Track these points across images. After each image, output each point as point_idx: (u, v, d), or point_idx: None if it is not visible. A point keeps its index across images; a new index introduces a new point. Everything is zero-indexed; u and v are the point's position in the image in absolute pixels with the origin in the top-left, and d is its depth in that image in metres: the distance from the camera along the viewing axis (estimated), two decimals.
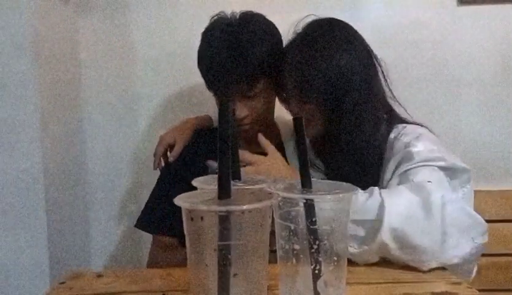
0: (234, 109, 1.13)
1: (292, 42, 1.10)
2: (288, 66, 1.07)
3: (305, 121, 1.06)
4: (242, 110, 1.15)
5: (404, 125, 1.06)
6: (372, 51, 1.08)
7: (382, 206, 0.79)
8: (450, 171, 0.94)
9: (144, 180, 1.54)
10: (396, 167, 0.98)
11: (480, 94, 1.55)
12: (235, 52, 1.10)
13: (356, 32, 1.08)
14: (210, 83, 1.18)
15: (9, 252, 1.18)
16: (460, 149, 1.44)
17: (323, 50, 1.02)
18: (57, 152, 1.30)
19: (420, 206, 0.79)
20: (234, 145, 0.66)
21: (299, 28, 1.11)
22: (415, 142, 0.98)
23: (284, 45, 1.14)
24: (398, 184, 0.92)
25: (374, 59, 1.07)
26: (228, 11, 1.29)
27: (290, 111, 1.14)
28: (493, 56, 1.53)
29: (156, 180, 1.29)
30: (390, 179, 0.97)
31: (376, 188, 0.85)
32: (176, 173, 1.22)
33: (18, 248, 1.18)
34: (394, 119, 1.09)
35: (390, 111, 1.10)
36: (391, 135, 1.04)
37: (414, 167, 0.93)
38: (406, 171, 0.94)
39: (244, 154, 0.96)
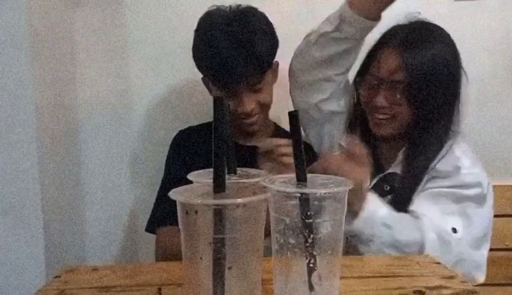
0: (229, 104, 1.13)
1: (400, 30, 1.13)
2: (396, 50, 1.09)
3: (389, 113, 1.09)
4: (250, 104, 1.18)
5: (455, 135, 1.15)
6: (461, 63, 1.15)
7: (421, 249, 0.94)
8: (480, 198, 1.04)
9: (143, 180, 1.54)
10: (438, 176, 1.06)
11: (480, 93, 1.54)
12: (241, 48, 1.12)
13: (453, 40, 1.13)
14: (218, 80, 1.19)
15: (7, 252, 1.18)
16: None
17: (433, 45, 1.08)
18: (55, 152, 1.30)
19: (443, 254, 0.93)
20: (229, 140, 0.66)
21: (404, 21, 1.15)
22: (464, 160, 1.07)
23: (386, 31, 1.16)
24: (428, 198, 1.04)
25: (462, 72, 1.15)
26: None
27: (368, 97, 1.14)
28: (493, 55, 1.53)
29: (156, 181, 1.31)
30: (429, 181, 1.07)
31: (426, 226, 0.97)
32: (178, 173, 1.23)
33: (17, 248, 1.18)
34: None
35: None
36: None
37: (449, 191, 1.03)
38: (441, 191, 1.04)
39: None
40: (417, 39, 1.08)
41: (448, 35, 1.12)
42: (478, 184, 1.04)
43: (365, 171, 0.94)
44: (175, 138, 1.36)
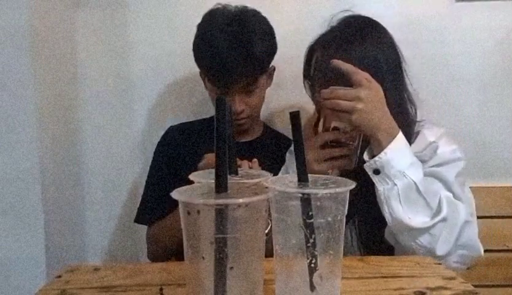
0: (230, 105, 1.15)
1: (327, 35, 1.10)
2: (324, 57, 1.05)
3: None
4: (240, 104, 1.19)
5: (424, 122, 1.11)
6: (401, 53, 1.10)
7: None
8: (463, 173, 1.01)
9: (143, 180, 1.53)
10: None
11: (480, 93, 1.54)
12: (240, 49, 1.12)
13: (387, 32, 1.10)
14: (214, 79, 1.20)
15: (7, 252, 1.18)
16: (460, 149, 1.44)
17: (357, 45, 1.04)
18: (56, 152, 1.30)
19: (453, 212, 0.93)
20: (231, 140, 0.66)
21: (334, 22, 1.12)
22: (439, 142, 1.03)
23: (317, 38, 1.13)
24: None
25: (402, 61, 1.10)
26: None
27: (317, 102, 1.11)
28: (493, 55, 1.53)
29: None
30: None
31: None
32: (169, 165, 1.29)
33: (17, 248, 1.18)
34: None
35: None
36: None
37: (443, 167, 0.99)
38: (434, 170, 1.00)
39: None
40: (335, 40, 1.07)
41: (382, 31, 1.10)
42: (461, 159, 1.02)
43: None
44: (164, 133, 1.37)
